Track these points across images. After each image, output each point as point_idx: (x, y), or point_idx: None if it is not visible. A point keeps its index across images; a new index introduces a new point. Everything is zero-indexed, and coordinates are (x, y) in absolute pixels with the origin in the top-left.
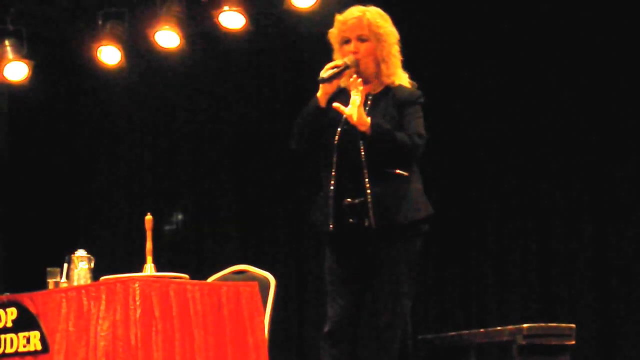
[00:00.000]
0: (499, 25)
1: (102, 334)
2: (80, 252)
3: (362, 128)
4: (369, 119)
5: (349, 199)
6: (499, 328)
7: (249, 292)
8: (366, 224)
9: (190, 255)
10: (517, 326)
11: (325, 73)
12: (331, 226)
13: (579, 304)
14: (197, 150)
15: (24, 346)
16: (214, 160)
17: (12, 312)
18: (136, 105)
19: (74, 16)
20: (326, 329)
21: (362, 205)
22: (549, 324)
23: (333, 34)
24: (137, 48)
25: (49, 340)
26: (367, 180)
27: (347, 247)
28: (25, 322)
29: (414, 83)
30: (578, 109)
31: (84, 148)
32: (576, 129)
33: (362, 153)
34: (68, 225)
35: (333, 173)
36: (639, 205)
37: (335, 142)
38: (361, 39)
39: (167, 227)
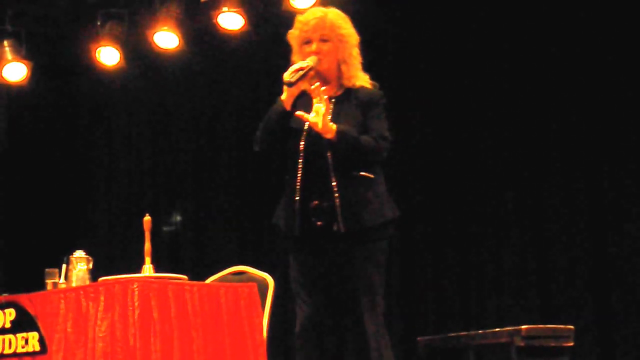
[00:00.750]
0: (480, 22)
1: (100, 335)
2: (79, 253)
3: (328, 135)
4: (334, 126)
5: (316, 201)
6: (497, 329)
7: (247, 293)
8: (335, 227)
9: (188, 256)
10: (515, 327)
11: (290, 76)
12: (298, 231)
13: (578, 305)
14: (195, 151)
15: (23, 347)
16: (213, 161)
17: (11, 313)
18: (135, 106)
19: (73, 17)
20: (297, 329)
21: (329, 209)
22: (548, 326)
23: (293, 35)
24: (136, 49)
25: (47, 341)
26: (334, 184)
27: (313, 251)
28: (23, 323)
29: (375, 84)
30: (571, 105)
31: (83, 149)
32: (572, 126)
33: (329, 157)
34: (67, 226)
35: (299, 177)
36: (638, 207)
37: (301, 146)
38: (323, 40)
39: (165, 228)
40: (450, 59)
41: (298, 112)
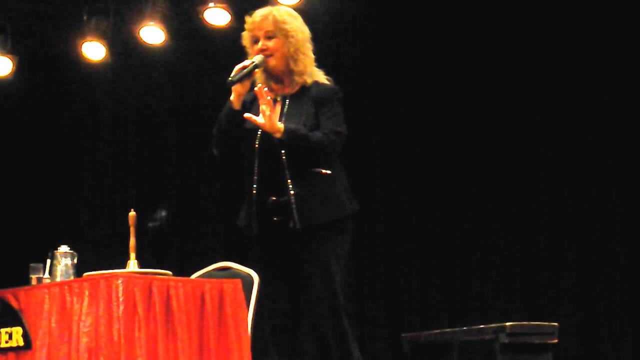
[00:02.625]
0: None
1: (84, 330)
2: (64, 248)
3: (277, 135)
4: (281, 126)
5: (273, 197)
6: (482, 326)
7: (232, 289)
8: (290, 224)
9: (173, 251)
10: (500, 324)
11: (233, 75)
12: (257, 229)
13: (562, 302)
14: (181, 146)
15: (6, 342)
16: (199, 156)
17: None
18: (121, 101)
19: (59, 11)
20: (266, 330)
21: (285, 205)
22: (532, 323)
23: (245, 36)
24: (122, 44)
25: (31, 336)
26: (289, 181)
27: (273, 249)
28: (7, 318)
29: (330, 79)
30: (553, 96)
31: (68, 144)
32: (554, 117)
33: (283, 155)
34: (51, 221)
35: (255, 177)
36: (622, 205)
37: (256, 145)
38: (268, 37)
39: (150, 224)
40: (423, 51)
41: (246, 115)
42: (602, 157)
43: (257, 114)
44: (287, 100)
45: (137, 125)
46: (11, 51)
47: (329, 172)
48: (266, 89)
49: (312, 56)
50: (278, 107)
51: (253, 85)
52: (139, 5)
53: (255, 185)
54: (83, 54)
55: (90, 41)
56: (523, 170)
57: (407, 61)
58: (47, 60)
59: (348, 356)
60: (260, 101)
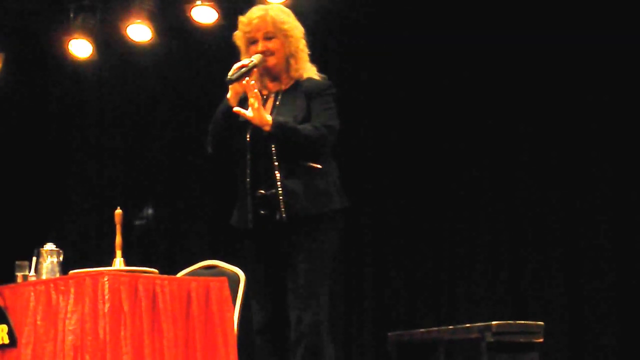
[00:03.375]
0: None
1: (70, 327)
2: (50, 246)
3: (266, 128)
4: (269, 118)
5: (262, 191)
6: (467, 325)
7: (218, 288)
8: (277, 217)
9: (160, 250)
10: (486, 323)
11: (232, 74)
12: (251, 223)
13: (548, 301)
14: (167, 144)
15: None
16: (185, 154)
17: None
18: (107, 98)
19: (46, 9)
20: (255, 327)
21: (273, 198)
22: (518, 322)
23: (238, 36)
24: (109, 41)
25: (16, 333)
26: (277, 174)
27: (264, 244)
28: None
29: (324, 75)
30: (543, 96)
31: (55, 141)
32: (542, 117)
33: (273, 148)
34: (37, 219)
35: (248, 170)
36: (609, 203)
37: (248, 140)
38: (267, 37)
39: (137, 222)
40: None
41: (235, 109)
42: (588, 157)
43: (247, 108)
44: (280, 95)
45: (124, 122)
46: None
47: (319, 166)
48: (252, 82)
49: (307, 51)
50: (270, 102)
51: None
52: (125, 3)
53: (248, 179)
54: (70, 51)
55: (77, 38)
56: (510, 170)
57: (397, 57)
58: (34, 57)
59: (320, 350)
60: (249, 94)
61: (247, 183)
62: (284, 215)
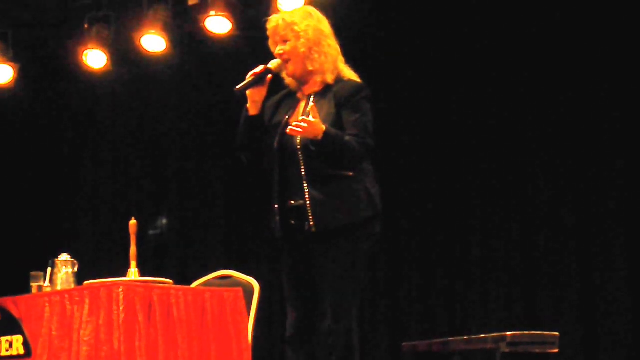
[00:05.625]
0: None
1: (85, 338)
2: (64, 257)
3: (317, 138)
4: (323, 127)
5: (292, 201)
6: (482, 335)
7: (233, 298)
8: (306, 227)
9: (174, 260)
10: (500, 334)
11: (240, 85)
12: (279, 232)
13: (563, 312)
14: (181, 154)
15: (7, 350)
16: (199, 164)
17: None
18: (122, 109)
19: (61, 19)
20: (287, 334)
21: (302, 208)
22: (533, 332)
23: (270, 43)
24: (123, 52)
25: (31, 344)
26: (305, 184)
27: (295, 252)
28: (8, 326)
29: (355, 75)
30: (560, 107)
31: (69, 152)
32: (558, 126)
33: (300, 156)
34: (52, 230)
35: (276, 179)
36: (623, 214)
37: (276, 145)
38: (284, 41)
39: (151, 232)
40: (443, 54)
41: (289, 130)
42: (602, 164)
43: (281, 116)
44: (312, 97)
45: (138, 133)
46: (12, 59)
47: (350, 173)
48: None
49: (334, 52)
50: (302, 105)
51: (282, 86)
52: (140, 14)
53: (276, 187)
54: (84, 62)
55: (92, 49)
56: (524, 179)
57: (402, 61)
58: (48, 68)
59: None
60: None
61: (275, 191)
62: (312, 226)
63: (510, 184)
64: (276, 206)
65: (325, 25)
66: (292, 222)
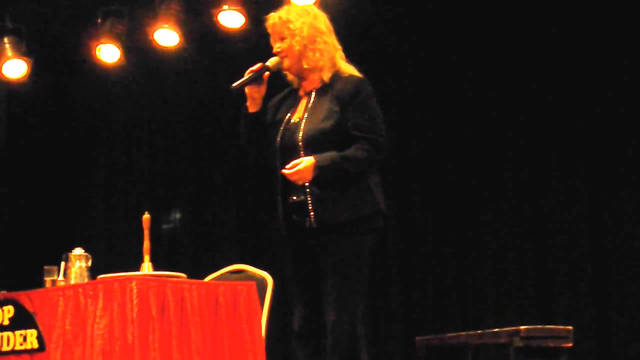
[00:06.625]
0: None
1: (99, 332)
2: (78, 251)
3: (309, 178)
4: (312, 165)
5: (294, 197)
6: (496, 330)
7: (246, 292)
8: (307, 224)
9: (187, 254)
10: (514, 328)
11: (238, 82)
12: (284, 229)
13: (577, 306)
14: (195, 149)
15: (21, 344)
16: (213, 158)
17: (9, 310)
18: (135, 103)
19: (74, 14)
20: (294, 329)
21: (303, 204)
22: (547, 326)
23: (271, 41)
24: (137, 46)
25: (45, 338)
26: None
27: (299, 248)
28: (22, 320)
29: (355, 70)
30: (573, 107)
31: (82, 146)
32: (571, 125)
33: (301, 153)
34: (66, 224)
35: (279, 174)
36: (638, 210)
37: (277, 143)
38: (281, 38)
39: (165, 226)
40: (455, 51)
41: (284, 171)
42: (615, 158)
43: (283, 113)
44: (313, 94)
45: (151, 127)
46: (26, 53)
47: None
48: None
49: (330, 49)
50: (303, 103)
51: (286, 83)
52: (153, 8)
53: (279, 184)
54: (97, 57)
55: (105, 43)
56: (537, 173)
57: (409, 61)
58: (62, 62)
59: (355, 358)
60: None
61: (279, 188)
62: (313, 222)
63: (523, 178)
64: (279, 202)
65: (321, 22)
66: (294, 217)
